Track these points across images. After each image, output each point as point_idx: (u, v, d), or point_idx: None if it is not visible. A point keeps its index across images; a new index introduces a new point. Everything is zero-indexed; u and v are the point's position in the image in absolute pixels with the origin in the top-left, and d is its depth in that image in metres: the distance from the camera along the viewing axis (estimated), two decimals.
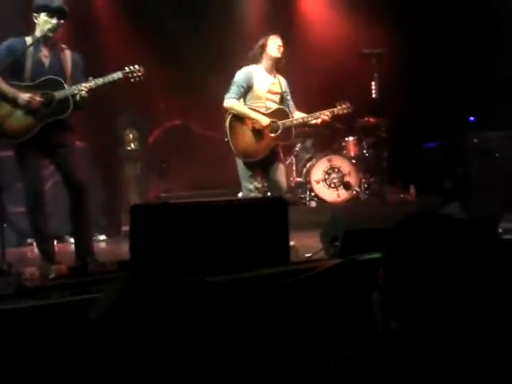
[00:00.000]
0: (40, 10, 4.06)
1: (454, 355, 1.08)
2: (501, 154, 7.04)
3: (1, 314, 2.63)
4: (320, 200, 7.12)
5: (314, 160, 7.29)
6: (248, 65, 4.89)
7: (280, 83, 4.96)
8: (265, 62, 4.86)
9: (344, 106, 5.11)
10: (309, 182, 7.17)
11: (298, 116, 4.98)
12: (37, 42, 4.05)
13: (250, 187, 4.77)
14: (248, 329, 2.75)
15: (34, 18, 4.09)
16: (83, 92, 4.02)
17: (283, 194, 4.81)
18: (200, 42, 7.58)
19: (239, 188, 7.05)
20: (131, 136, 7.39)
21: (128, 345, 1.06)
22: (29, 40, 4.07)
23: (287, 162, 7.39)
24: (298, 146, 7.50)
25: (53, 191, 4.58)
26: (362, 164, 7.42)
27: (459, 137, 7.60)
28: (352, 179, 7.16)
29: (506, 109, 6.72)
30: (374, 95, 5.69)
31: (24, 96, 3.98)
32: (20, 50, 4.01)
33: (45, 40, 4.07)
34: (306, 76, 7.02)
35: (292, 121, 4.92)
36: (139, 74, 4.21)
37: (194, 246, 3.19)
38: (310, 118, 5.00)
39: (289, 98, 5.03)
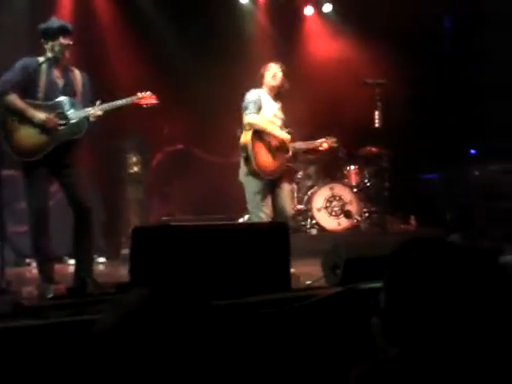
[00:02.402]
0: (45, 33, 4.12)
1: (455, 379, 1.07)
2: (501, 187, 7.07)
3: None
4: (321, 228, 7.11)
5: (315, 187, 7.30)
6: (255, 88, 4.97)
7: (281, 110, 5.04)
8: (266, 90, 4.95)
9: (332, 140, 5.30)
10: (310, 210, 7.16)
11: None
12: (48, 63, 4.09)
13: (260, 215, 4.74)
14: (246, 354, 2.72)
15: (43, 43, 4.14)
16: (92, 116, 4.08)
17: (288, 219, 4.82)
18: (205, 67, 7.65)
19: (240, 213, 7.08)
20: (134, 159, 7.41)
21: (132, 362, 1.05)
22: (41, 60, 4.11)
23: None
24: (300, 174, 7.52)
25: (53, 211, 4.60)
26: (363, 193, 7.43)
27: (460, 169, 7.64)
28: (353, 208, 7.16)
29: (507, 142, 6.76)
30: (376, 125, 5.71)
31: (41, 115, 4.01)
32: (33, 69, 4.05)
33: (56, 61, 4.12)
34: (308, 104, 7.07)
35: (300, 144, 5.08)
36: (152, 100, 4.26)
37: (193, 270, 3.17)
38: (310, 145, 5.23)
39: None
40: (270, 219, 4.78)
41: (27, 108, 4.01)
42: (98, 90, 4.41)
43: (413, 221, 7.56)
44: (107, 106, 4.13)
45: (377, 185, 7.24)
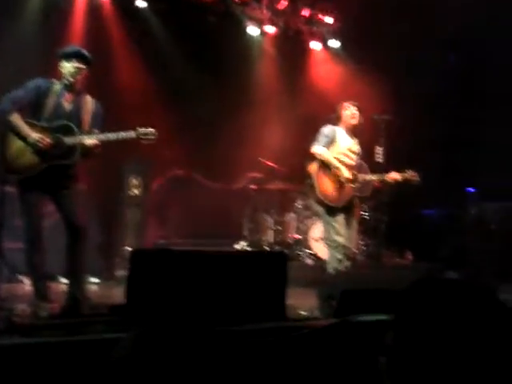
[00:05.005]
0: (61, 56, 4.19)
1: None
2: (497, 226, 7.10)
3: None
4: (317, 258, 7.09)
5: (314, 218, 7.30)
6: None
7: (358, 145, 5.27)
8: (344, 127, 5.20)
9: (413, 174, 5.41)
10: (307, 240, 7.16)
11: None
12: (61, 85, 4.16)
13: (335, 239, 4.95)
14: (239, 381, 2.69)
15: (59, 66, 4.20)
16: (88, 144, 4.07)
17: (353, 248, 5.10)
18: (211, 95, 7.72)
19: (235, 240, 7.07)
20: (135, 182, 7.41)
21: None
22: (56, 83, 4.18)
23: (287, 217, 7.45)
24: (300, 204, 7.52)
25: (47, 231, 4.63)
26: (361, 226, 7.42)
27: (458, 206, 7.67)
28: None
29: (505, 181, 6.81)
30: (379, 160, 5.76)
31: (35, 135, 4.04)
32: (44, 90, 4.12)
33: (69, 85, 4.18)
34: (310, 136, 7.13)
35: (370, 176, 5.26)
36: (152, 137, 4.24)
37: (190, 295, 3.16)
38: (384, 178, 5.32)
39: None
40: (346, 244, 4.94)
41: (23, 127, 4.05)
42: (104, 117, 4.40)
43: (409, 255, 7.56)
44: (103, 136, 4.13)
45: (375, 218, 7.25)
